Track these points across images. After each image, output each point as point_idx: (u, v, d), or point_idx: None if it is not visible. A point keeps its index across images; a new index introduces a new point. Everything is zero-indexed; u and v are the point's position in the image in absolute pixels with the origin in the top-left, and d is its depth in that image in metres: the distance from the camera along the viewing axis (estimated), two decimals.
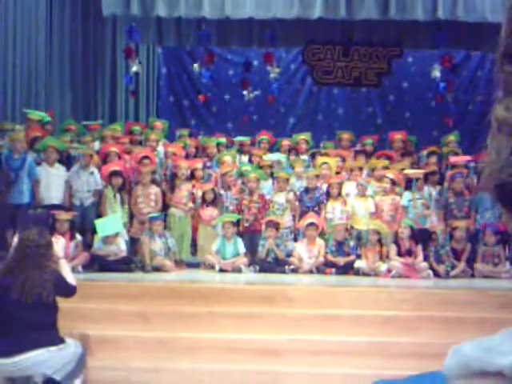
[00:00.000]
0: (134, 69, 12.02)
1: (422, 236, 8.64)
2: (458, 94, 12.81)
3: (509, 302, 6.94)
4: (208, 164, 10.55)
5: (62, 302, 5.47)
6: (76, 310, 6.43)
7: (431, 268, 8.32)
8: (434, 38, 11.98)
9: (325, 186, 9.52)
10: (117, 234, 8.57)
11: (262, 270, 8.54)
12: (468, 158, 10.27)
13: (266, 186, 9.72)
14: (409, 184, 9.40)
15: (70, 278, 5.48)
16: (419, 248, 8.39)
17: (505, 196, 0.45)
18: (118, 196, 9.24)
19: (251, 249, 8.95)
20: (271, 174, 9.86)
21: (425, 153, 10.66)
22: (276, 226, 8.81)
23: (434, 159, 10.20)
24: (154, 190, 9.38)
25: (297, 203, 9.42)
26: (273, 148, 11.34)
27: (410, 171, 9.55)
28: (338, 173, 9.97)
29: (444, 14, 11.19)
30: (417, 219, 8.93)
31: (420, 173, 9.39)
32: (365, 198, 9.35)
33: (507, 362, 0.45)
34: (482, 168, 0.47)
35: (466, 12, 11.17)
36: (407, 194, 9.27)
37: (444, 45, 12.06)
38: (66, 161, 9.74)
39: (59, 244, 5.63)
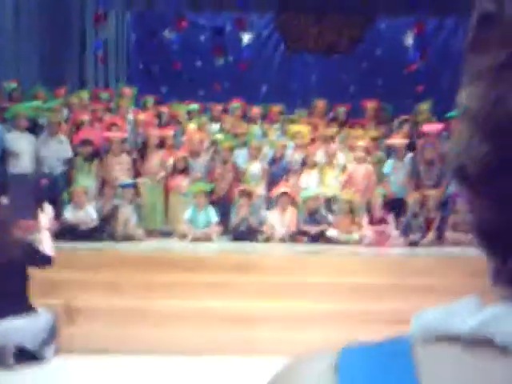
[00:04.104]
0: (108, 34, 11.77)
1: (395, 205, 8.69)
2: (430, 62, 12.81)
3: (478, 268, 7.01)
4: (177, 132, 10.41)
5: (34, 272, 5.40)
6: (48, 280, 6.36)
7: (402, 236, 8.39)
8: (406, 4, 11.93)
9: (298, 155, 9.50)
10: (86, 198, 8.47)
11: (235, 238, 8.53)
12: (440, 126, 10.32)
13: (241, 154, 9.64)
14: (390, 152, 9.43)
15: (48, 248, 5.38)
16: (391, 217, 8.45)
17: (462, 178, 0.48)
18: (86, 164, 9.14)
19: (224, 218, 8.92)
20: (245, 143, 9.79)
21: (397, 122, 10.66)
22: (249, 195, 8.79)
23: (406, 128, 10.21)
24: (125, 159, 9.28)
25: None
26: (245, 116, 11.24)
27: (393, 140, 9.56)
28: (312, 140, 9.94)
29: None
30: (398, 188, 8.99)
31: (402, 142, 9.39)
32: (336, 167, 9.35)
33: (465, 327, 0.47)
34: (448, 150, 0.51)
35: None
36: (390, 162, 9.31)
37: (417, 11, 12.01)
38: (34, 129, 9.55)
39: (45, 213, 5.52)
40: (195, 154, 9.48)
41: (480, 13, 0.48)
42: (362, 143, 9.37)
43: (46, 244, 5.43)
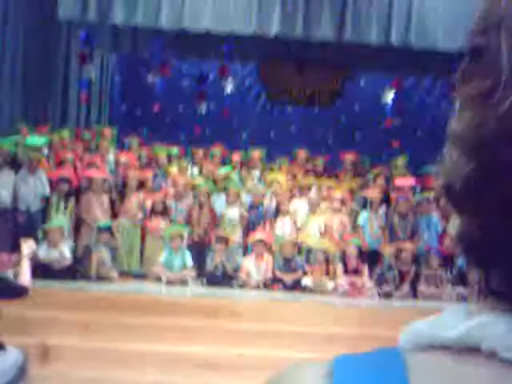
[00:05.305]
0: (92, 75, 11.88)
1: (369, 256, 8.79)
2: (406, 118, 13.13)
3: None
4: (157, 174, 10.46)
5: (4, 309, 5.32)
6: (18, 318, 6.28)
7: (376, 288, 8.46)
8: (386, 62, 12.29)
9: (274, 203, 9.59)
10: (61, 236, 8.39)
11: (210, 283, 8.52)
12: (413, 180, 10.53)
13: (219, 199, 9.69)
14: (365, 204, 9.57)
15: (26, 279, 5.26)
16: (365, 268, 8.53)
17: (449, 195, 0.52)
18: (62, 203, 9.12)
19: (199, 262, 8.91)
20: (224, 188, 9.85)
21: (371, 175, 10.85)
22: (226, 240, 8.82)
23: (381, 181, 10.40)
24: (104, 199, 9.28)
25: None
26: (225, 161, 11.35)
27: (368, 192, 9.71)
28: (290, 189, 10.05)
29: (396, 40, 11.47)
30: (372, 240, 9.11)
31: (377, 194, 9.54)
32: (315, 216, 9.45)
33: (453, 335, 0.50)
34: (438, 178, 0.54)
35: (417, 38, 11.46)
36: (365, 214, 9.43)
37: (395, 69, 12.37)
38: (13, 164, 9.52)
39: (27, 245, 5.45)
40: (179, 197, 9.52)
41: (470, 46, 0.53)
42: (337, 194, 9.51)
43: (25, 274, 5.30)
